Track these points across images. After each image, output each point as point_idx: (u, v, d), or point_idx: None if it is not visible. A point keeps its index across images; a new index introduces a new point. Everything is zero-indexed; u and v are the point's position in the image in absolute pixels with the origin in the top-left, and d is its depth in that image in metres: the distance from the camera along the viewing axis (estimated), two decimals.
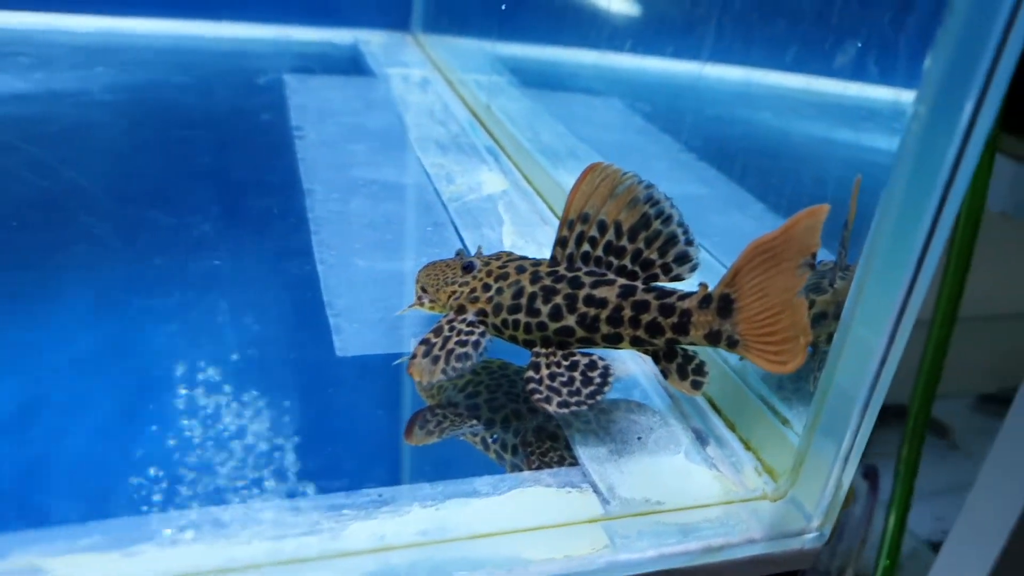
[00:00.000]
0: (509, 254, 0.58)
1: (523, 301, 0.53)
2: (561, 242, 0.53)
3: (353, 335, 0.61)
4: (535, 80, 1.18)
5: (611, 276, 0.51)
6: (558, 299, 0.52)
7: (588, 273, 0.52)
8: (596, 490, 0.48)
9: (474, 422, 0.55)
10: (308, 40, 1.47)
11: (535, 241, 0.77)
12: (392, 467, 0.51)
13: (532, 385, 0.51)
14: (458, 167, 0.94)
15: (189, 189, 0.85)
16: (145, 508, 0.45)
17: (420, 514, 0.46)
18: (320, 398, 0.55)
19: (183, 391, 0.55)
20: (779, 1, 0.77)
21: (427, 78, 1.29)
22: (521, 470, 0.50)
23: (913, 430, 0.88)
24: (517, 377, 0.59)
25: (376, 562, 0.43)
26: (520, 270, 0.55)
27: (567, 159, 0.92)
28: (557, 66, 1.21)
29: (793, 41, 0.76)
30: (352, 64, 1.37)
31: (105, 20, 1.37)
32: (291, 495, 0.47)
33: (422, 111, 1.13)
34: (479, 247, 0.61)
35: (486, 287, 0.55)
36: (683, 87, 1.03)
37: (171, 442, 0.50)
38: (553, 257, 0.54)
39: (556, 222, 0.82)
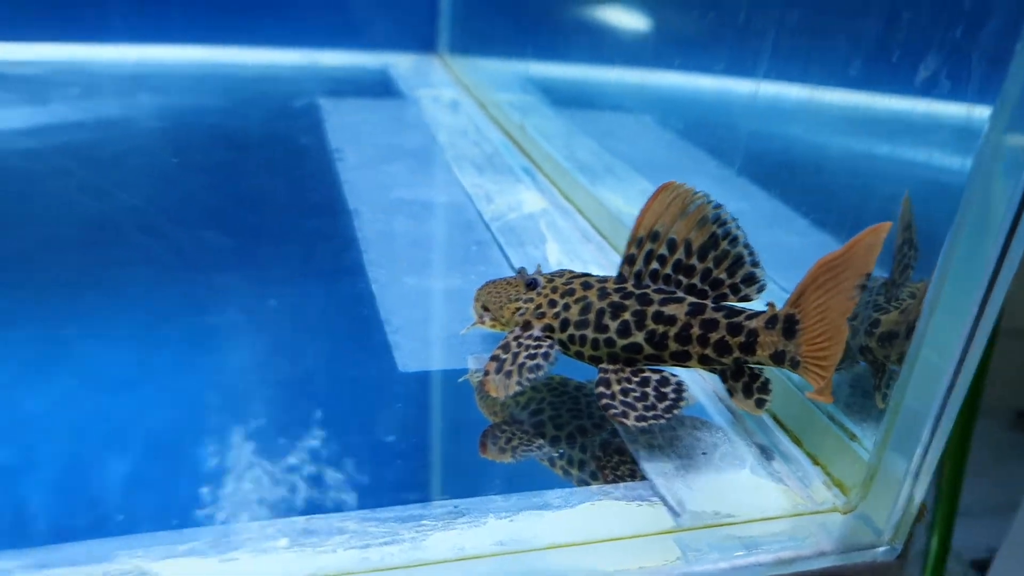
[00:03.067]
0: (571, 271, 0.59)
1: (591, 317, 0.55)
2: (629, 259, 0.54)
3: (412, 352, 0.63)
4: (564, 99, 1.20)
5: (680, 294, 0.53)
6: (626, 315, 0.53)
7: (657, 291, 0.53)
8: (666, 503, 0.49)
9: (540, 440, 0.56)
10: (338, 64, 1.50)
11: (579, 258, 0.78)
12: (461, 480, 0.52)
13: (605, 400, 0.52)
14: (496, 186, 0.95)
15: (239, 210, 0.87)
16: (229, 518, 0.47)
17: (495, 525, 0.47)
18: (388, 413, 0.57)
19: (253, 406, 0.56)
20: (812, 15, 0.78)
21: (457, 99, 1.31)
22: (588, 485, 0.51)
23: (956, 446, 0.88)
24: (578, 393, 0.60)
25: (457, 571, 0.45)
26: (586, 286, 0.56)
27: (605, 176, 0.94)
28: (585, 84, 1.23)
29: (830, 54, 0.77)
30: (382, 87, 1.40)
31: (144, 49, 1.41)
32: (369, 506, 0.48)
33: (455, 131, 1.15)
34: (538, 265, 0.62)
35: (552, 303, 0.57)
36: (714, 103, 1.04)
37: (248, 455, 0.51)
38: (620, 274, 0.55)
39: (598, 239, 0.84)
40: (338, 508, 0.48)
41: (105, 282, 0.71)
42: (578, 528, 0.47)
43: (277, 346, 0.63)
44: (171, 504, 0.48)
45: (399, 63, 1.51)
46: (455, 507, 0.48)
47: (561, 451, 0.54)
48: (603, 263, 0.77)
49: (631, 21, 1.17)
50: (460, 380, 0.61)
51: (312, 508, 0.48)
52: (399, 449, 0.53)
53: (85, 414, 0.55)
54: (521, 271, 0.61)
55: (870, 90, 0.69)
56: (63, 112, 1.14)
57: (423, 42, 1.58)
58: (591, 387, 0.61)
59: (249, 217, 0.85)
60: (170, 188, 0.91)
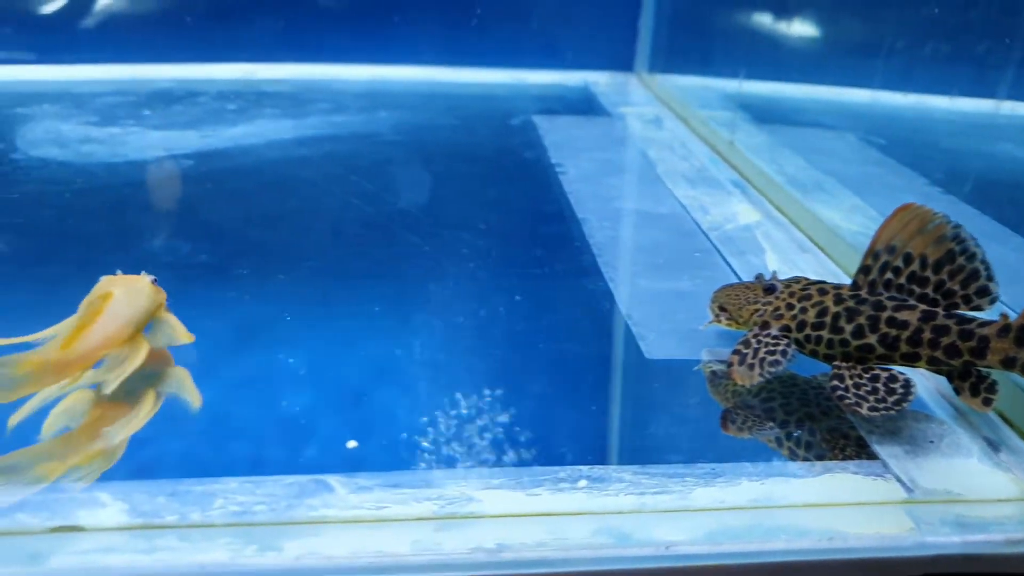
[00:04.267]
0: (807, 279, 0.68)
1: (827, 320, 0.63)
2: (864, 270, 0.62)
3: (655, 342, 0.73)
4: (765, 115, 1.27)
5: (912, 302, 0.60)
6: (861, 319, 0.61)
7: (890, 298, 0.61)
8: (899, 480, 0.56)
9: (772, 422, 0.64)
10: (542, 83, 1.63)
11: (797, 267, 0.86)
12: (708, 448, 0.62)
13: (840, 392, 0.60)
14: (709, 199, 1.04)
15: (485, 215, 1.00)
16: (527, 463, 0.58)
17: (748, 486, 0.56)
18: (644, 390, 0.68)
19: (523, 382, 0.68)
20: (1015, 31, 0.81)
21: (659, 116, 1.41)
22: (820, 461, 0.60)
23: None
24: (806, 386, 0.69)
25: (717, 521, 0.54)
26: (822, 292, 0.64)
27: (815, 191, 1.00)
28: (784, 102, 1.30)
29: None
30: (587, 104, 1.52)
31: (377, 69, 1.60)
32: (639, 463, 0.59)
33: (662, 147, 1.25)
34: (773, 272, 0.71)
35: (789, 306, 0.66)
36: (916, 120, 1.08)
37: (529, 418, 0.63)
38: (855, 282, 0.63)
39: (815, 250, 0.91)
40: (612, 462, 0.59)
41: (389, 273, 0.86)
42: (819, 493, 0.56)
43: (538, 332, 0.75)
44: (479, 452, 0.60)
45: (599, 81, 1.63)
46: (712, 469, 0.58)
47: (793, 432, 0.63)
48: (821, 272, 0.84)
49: (830, 40, 1.22)
50: (695, 369, 0.71)
51: (590, 461, 0.59)
52: (659, 419, 0.64)
53: (400, 379, 0.69)
54: (759, 277, 0.70)
55: None
56: (319, 125, 1.33)
57: (621, 61, 1.68)
58: (817, 381, 0.69)
59: (493, 222, 0.99)
60: (423, 194, 1.07)
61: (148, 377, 0.65)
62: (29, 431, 0.58)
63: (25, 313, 0.74)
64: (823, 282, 0.67)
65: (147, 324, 0.66)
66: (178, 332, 0.66)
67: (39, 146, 1.20)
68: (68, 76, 1.54)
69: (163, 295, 0.68)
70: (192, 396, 0.65)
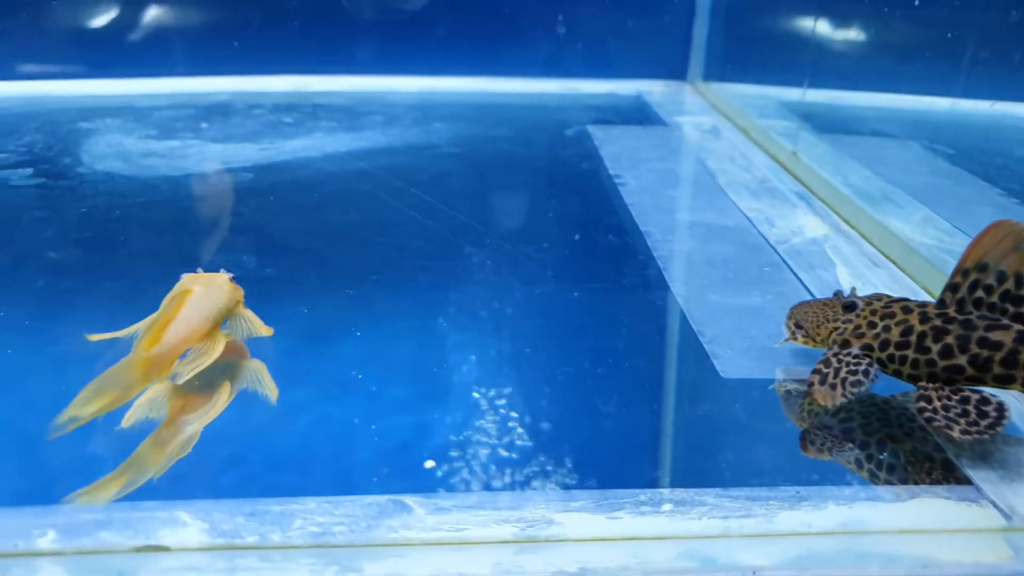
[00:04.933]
0: (889, 296, 0.66)
1: (912, 339, 0.61)
2: (952, 287, 0.60)
3: (730, 360, 0.72)
4: (825, 124, 1.25)
5: (1006, 322, 0.58)
6: (949, 339, 0.59)
7: (980, 317, 0.59)
8: (995, 506, 0.54)
9: (851, 443, 0.63)
10: (594, 92, 1.63)
11: (870, 283, 0.84)
12: (785, 472, 0.60)
13: (928, 414, 0.58)
14: (774, 211, 1.02)
15: (547, 228, 1.00)
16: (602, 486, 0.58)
17: (835, 510, 0.55)
18: (721, 409, 0.66)
19: (596, 401, 0.67)
20: None
21: (716, 125, 1.39)
22: (904, 485, 0.58)
23: None
24: (886, 406, 0.66)
25: (804, 545, 0.52)
26: (906, 310, 0.63)
27: (883, 202, 0.98)
28: (843, 110, 1.27)
29: None
30: (641, 114, 1.50)
31: (428, 80, 1.60)
32: (720, 486, 0.57)
33: (722, 157, 1.23)
34: (853, 288, 0.69)
35: (871, 324, 0.64)
36: (985, 128, 1.05)
37: (609, 434, 0.63)
38: (941, 300, 0.61)
39: (888, 265, 0.88)
40: (691, 484, 0.58)
41: (455, 288, 0.85)
42: (911, 518, 0.54)
43: (609, 349, 0.74)
44: (554, 474, 0.59)
45: (652, 90, 1.62)
46: (796, 492, 0.57)
47: (880, 454, 0.61)
48: (896, 288, 0.82)
49: (892, 47, 1.19)
50: (770, 388, 0.69)
51: (669, 483, 0.58)
52: (738, 440, 0.63)
53: (469, 396, 0.68)
54: (838, 294, 0.68)
55: None
56: (376, 138, 1.34)
57: (674, 70, 1.67)
58: (898, 401, 0.67)
59: (556, 235, 0.98)
60: (484, 207, 1.07)
61: (225, 369, 0.68)
62: (111, 423, 0.60)
63: (100, 327, 0.75)
64: (906, 300, 0.65)
65: (224, 320, 0.69)
66: (256, 325, 0.70)
67: (103, 160, 1.22)
68: (127, 90, 1.57)
69: (240, 292, 0.71)
70: (270, 389, 0.66)
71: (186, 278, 0.70)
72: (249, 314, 0.70)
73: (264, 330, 0.69)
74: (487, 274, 0.87)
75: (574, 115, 1.46)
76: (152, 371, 0.62)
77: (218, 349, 0.65)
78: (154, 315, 0.66)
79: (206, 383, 0.65)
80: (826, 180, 1.06)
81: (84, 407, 0.58)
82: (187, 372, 0.63)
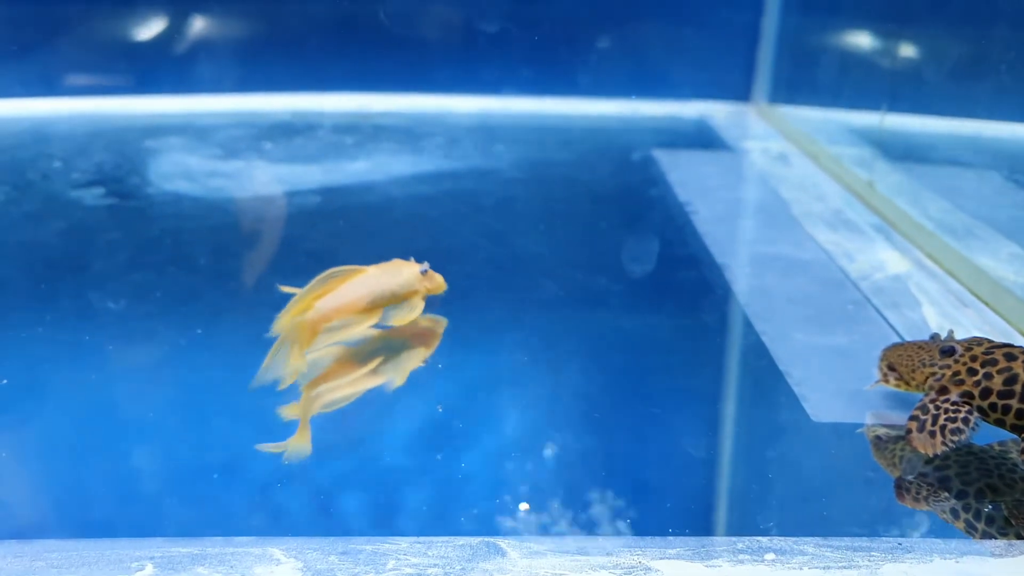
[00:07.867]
0: (990, 340, 0.64)
1: (1017, 388, 0.59)
2: None
3: (820, 403, 0.70)
4: (899, 152, 1.22)
5: None
6: None
7: None
8: None
9: (948, 493, 0.61)
10: (655, 114, 1.61)
11: (959, 324, 0.81)
12: (880, 523, 0.58)
13: None
14: (852, 244, 1.00)
15: (617, 259, 0.99)
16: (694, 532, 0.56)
17: (941, 564, 0.53)
18: (813, 455, 0.65)
19: (683, 444, 0.66)
20: None
21: (784, 152, 1.37)
22: (1006, 538, 0.56)
23: None
24: (983, 455, 0.64)
25: None
26: (1010, 357, 0.60)
27: (967, 237, 0.95)
28: (915, 137, 1.24)
29: None
30: (705, 137, 1.49)
31: (487, 100, 1.60)
32: (816, 535, 0.56)
33: (793, 186, 1.21)
34: (950, 331, 0.67)
35: (971, 371, 0.62)
36: None
37: (696, 482, 0.61)
38: None
39: (978, 305, 0.86)
40: (787, 533, 0.56)
41: (532, 322, 0.83)
42: (1020, 575, 0.52)
43: (694, 390, 0.73)
44: (645, 518, 0.58)
45: (715, 112, 1.60)
46: (899, 544, 0.55)
47: (986, 507, 0.59)
48: (987, 331, 0.79)
49: (971, 71, 1.16)
50: (857, 432, 0.67)
51: (760, 532, 0.56)
52: (832, 487, 0.61)
53: (551, 436, 0.67)
54: (935, 337, 0.66)
55: None
56: (437, 161, 1.34)
57: (737, 91, 1.64)
58: (996, 451, 0.65)
59: (629, 266, 0.97)
60: (553, 235, 1.06)
61: (393, 349, 0.73)
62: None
63: (177, 352, 0.76)
64: (1010, 345, 0.62)
65: (392, 303, 0.72)
66: (409, 317, 0.73)
67: (170, 180, 1.24)
68: (188, 108, 1.59)
69: (430, 283, 0.74)
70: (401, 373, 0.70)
71: (392, 262, 0.74)
72: (418, 304, 0.73)
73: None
74: (561, 307, 0.86)
75: (636, 138, 1.45)
76: (298, 335, 0.66)
77: (364, 325, 0.70)
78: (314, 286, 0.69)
79: (368, 355, 0.71)
80: (904, 212, 1.04)
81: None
82: (343, 338, 0.70)
